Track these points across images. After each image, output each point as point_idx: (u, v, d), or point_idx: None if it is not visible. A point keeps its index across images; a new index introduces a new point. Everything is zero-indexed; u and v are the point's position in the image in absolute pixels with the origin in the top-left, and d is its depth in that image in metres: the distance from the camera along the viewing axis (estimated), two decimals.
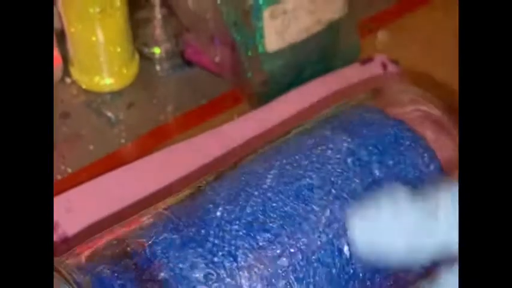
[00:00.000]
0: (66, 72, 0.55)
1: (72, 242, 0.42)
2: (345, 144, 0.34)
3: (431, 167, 0.34)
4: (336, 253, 0.31)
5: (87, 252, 0.29)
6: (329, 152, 0.33)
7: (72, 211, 0.44)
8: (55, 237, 0.42)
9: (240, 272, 0.29)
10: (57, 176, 0.49)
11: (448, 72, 0.57)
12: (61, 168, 0.49)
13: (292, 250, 0.30)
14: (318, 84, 0.54)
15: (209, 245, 0.29)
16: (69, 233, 0.43)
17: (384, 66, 0.56)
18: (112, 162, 0.49)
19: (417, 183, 0.34)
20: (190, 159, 0.48)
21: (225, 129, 0.51)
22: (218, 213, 0.31)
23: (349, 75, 0.55)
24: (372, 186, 0.33)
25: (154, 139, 0.52)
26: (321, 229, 0.31)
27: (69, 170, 0.49)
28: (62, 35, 0.53)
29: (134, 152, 0.50)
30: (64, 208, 0.43)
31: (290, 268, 0.30)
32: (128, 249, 0.29)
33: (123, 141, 0.52)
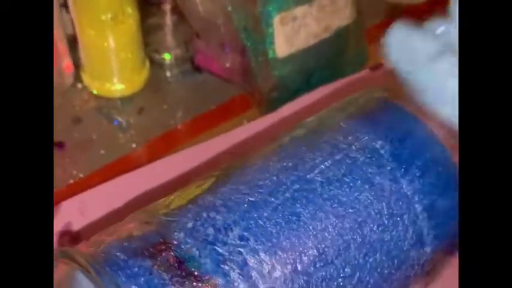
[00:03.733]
0: (77, 77, 0.56)
1: None
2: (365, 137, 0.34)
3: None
4: None
5: (105, 241, 0.30)
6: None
7: (86, 212, 0.44)
8: (68, 238, 0.43)
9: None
10: (70, 180, 0.49)
11: None
12: (73, 173, 0.50)
13: None
14: (327, 90, 0.54)
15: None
16: (82, 233, 0.43)
17: (393, 72, 0.57)
18: (123, 166, 0.50)
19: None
20: (201, 163, 0.48)
21: (234, 135, 0.51)
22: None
23: (359, 81, 0.56)
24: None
25: (165, 144, 0.52)
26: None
27: (81, 175, 0.50)
28: (74, 41, 0.54)
29: (145, 157, 0.51)
30: (77, 209, 0.44)
31: None
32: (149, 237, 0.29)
33: (133, 145, 0.52)
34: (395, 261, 0.33)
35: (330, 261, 0.31)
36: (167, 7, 0.55)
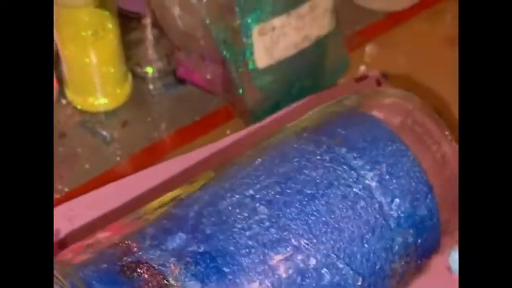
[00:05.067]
0: (61, 93, 0.56)
1: None
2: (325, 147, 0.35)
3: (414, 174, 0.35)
4: None
5: (80, 254, 0.30)
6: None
7: (74, 220, 0.45)
8: (55, 244, 0.43)
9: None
10: (56, 195, 0.50)
11: (436, 81, 0.58)
12: (58, 188, 0.50)
13: None
14: (312, 101, 0.54)
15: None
16: (69, 240, 0.44)
17: (379, 83, 0.57)
18: (108, 179, 0.50)
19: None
20: (186, 173, 0.49)
21: (218, 145, 0.52)
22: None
23: (344, 92, 0.56)
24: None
25: (149, 156, 0.53)
26: None
27: (66, 189, 0.50)
28: (57, 57, 0.54)
29: (129, 170, 0.51)
30: (65, 217, 0.45)
31: None
32: (123, 249, 0.30)
33: (118, 159, 0.53)
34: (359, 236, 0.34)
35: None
36: (147, 21, 0.56)
